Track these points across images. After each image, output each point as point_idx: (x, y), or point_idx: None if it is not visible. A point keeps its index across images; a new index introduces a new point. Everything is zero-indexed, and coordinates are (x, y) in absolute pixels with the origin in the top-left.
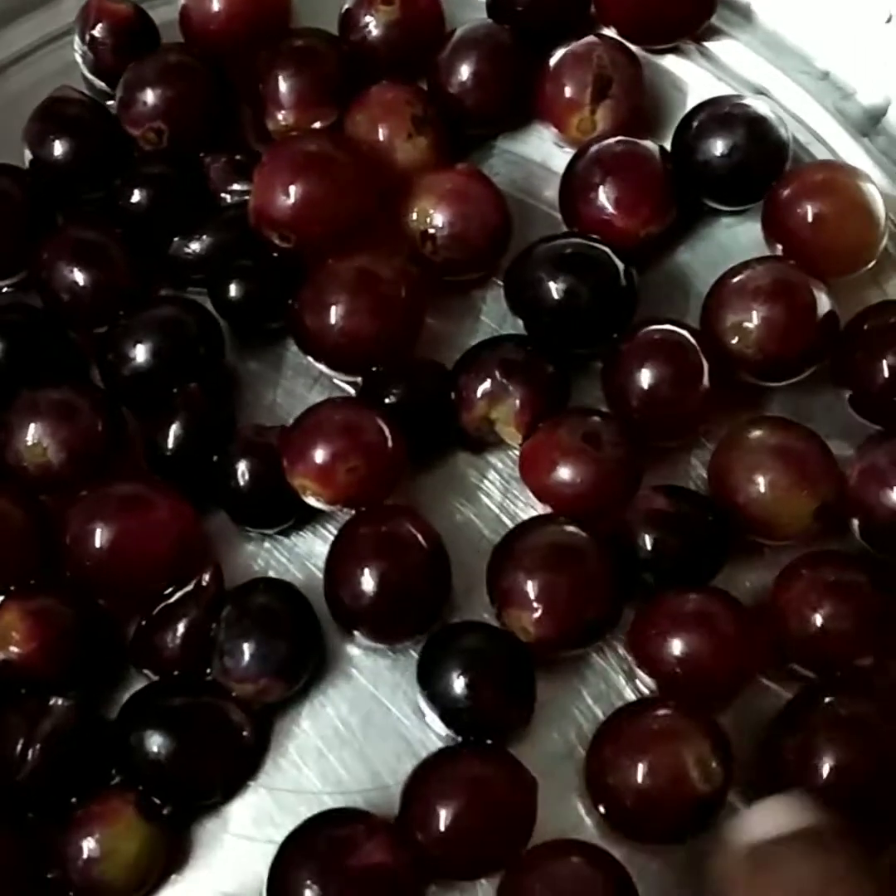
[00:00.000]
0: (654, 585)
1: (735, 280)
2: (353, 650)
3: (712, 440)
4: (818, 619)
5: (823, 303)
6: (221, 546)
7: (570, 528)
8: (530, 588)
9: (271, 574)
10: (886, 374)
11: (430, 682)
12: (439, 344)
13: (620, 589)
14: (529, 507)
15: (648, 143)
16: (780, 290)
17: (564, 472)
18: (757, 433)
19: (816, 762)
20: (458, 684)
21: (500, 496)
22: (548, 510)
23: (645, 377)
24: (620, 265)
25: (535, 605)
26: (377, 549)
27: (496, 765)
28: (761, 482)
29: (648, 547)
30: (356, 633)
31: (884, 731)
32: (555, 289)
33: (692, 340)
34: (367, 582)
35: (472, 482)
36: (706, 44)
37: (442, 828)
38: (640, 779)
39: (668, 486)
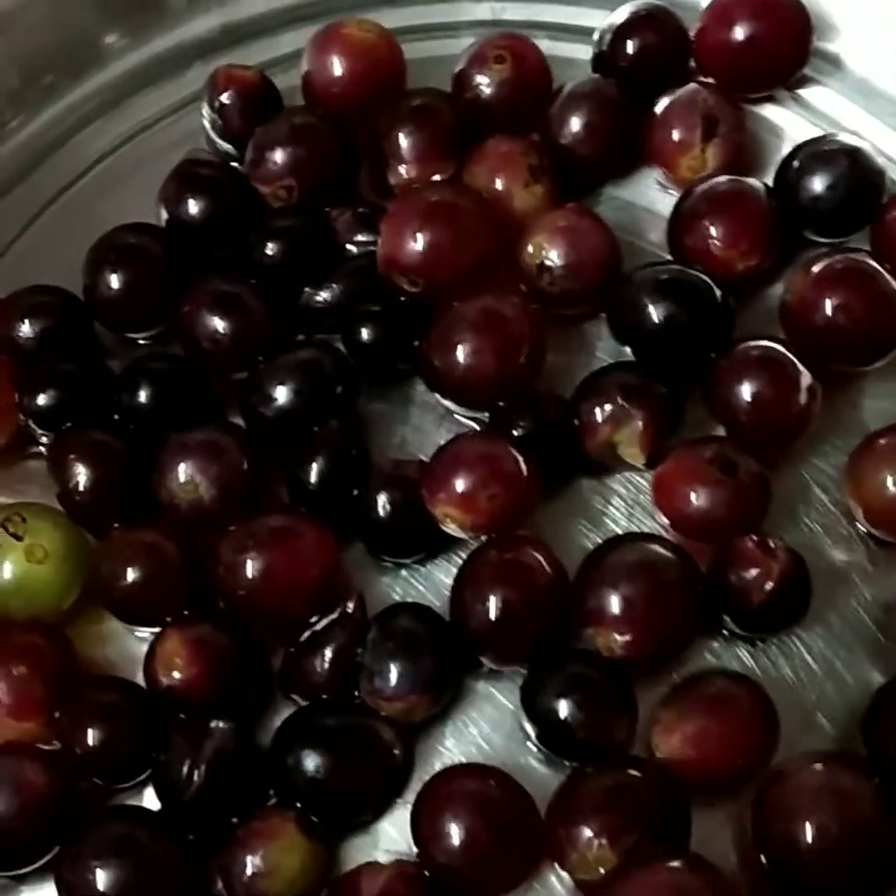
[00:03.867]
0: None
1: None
2: (494, 670)
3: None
4: None
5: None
6: (360, 578)
7: (660, 549)
8: (618, 609)
9: None
10: None
11: (531, 706)
12: (558, 378)
13: (698, 611)
14: (654, 532)
15: (753, 181)
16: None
17: (702, 502)
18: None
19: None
20: (555, 710)
21: (626, 521)
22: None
23: (747, 389)
24: (715, 289)
25: (622, 627)
26: (501, 576)
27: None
28: None
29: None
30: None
31: None
32: (653, 312)
33: (786, 351)
34: (490, 607)
35: (598, 508)
36: (800, 92)
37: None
38: None
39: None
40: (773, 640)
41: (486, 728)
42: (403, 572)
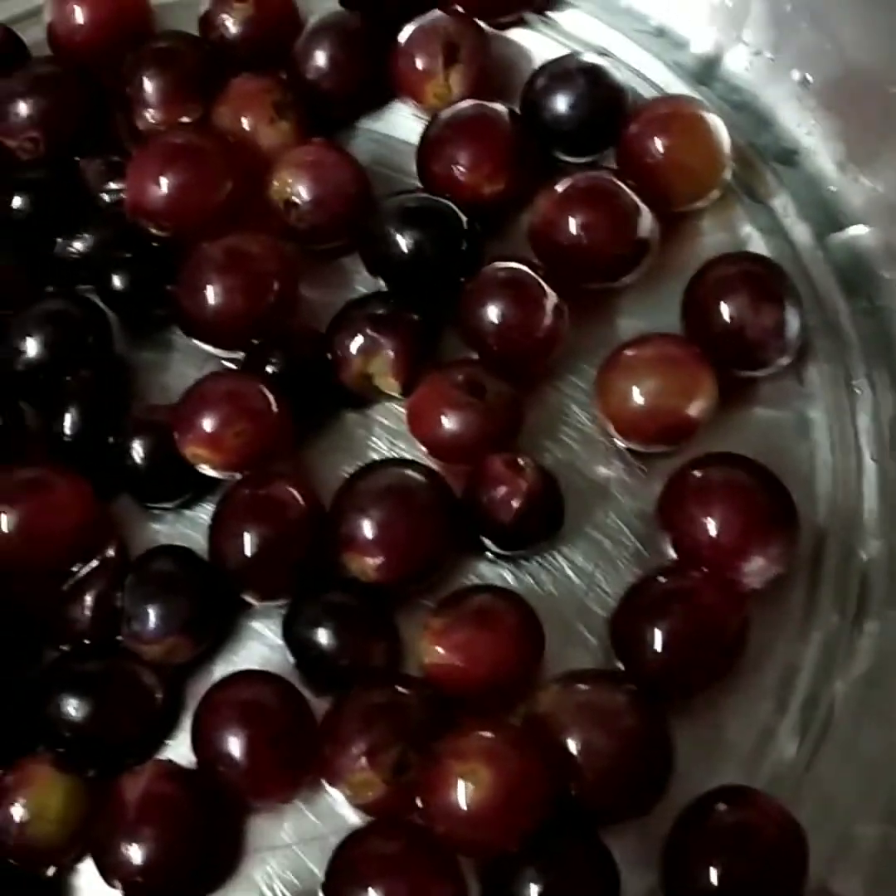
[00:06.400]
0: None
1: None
2: (261, 607)
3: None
4: None
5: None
6: (129, 526)
7: (409, 472)
8: (368, 533)
9: None
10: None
11: (290, 638)
12: (317, 314)
13: (452, 530)
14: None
15: (496, 105)
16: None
17: (452, 424)
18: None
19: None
20: (311, 639)
21: (389, 451)
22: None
23: (492, 312)
24: (459, 214)
25: (373, 550)
26: (253, 512)
27: None
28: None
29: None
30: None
31: None
32: (397, 241)
33: (531, 272)
34: (244, 544)
35: (360, 440)
36: (548, 14)
37: None
38: None
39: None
40: (536, 559)
41: (256, 666)
42: (170, 517)
